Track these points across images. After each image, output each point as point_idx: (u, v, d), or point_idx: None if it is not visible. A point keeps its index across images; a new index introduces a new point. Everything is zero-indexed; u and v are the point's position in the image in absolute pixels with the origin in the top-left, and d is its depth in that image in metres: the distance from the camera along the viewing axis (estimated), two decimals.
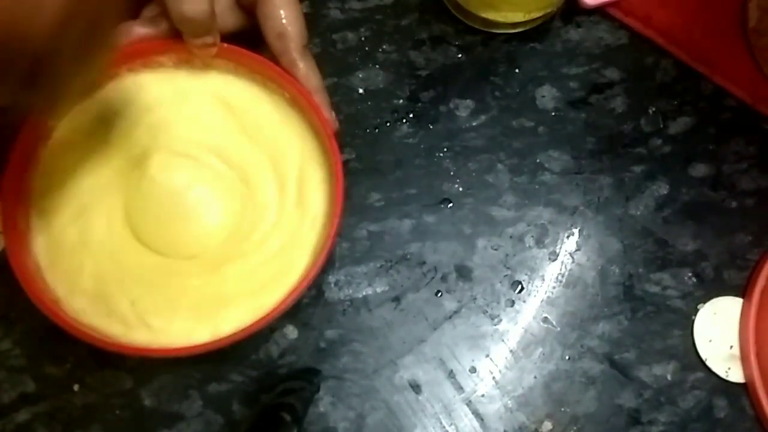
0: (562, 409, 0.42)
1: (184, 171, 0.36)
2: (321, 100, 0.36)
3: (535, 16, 0.45)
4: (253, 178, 0.37)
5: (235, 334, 0.32)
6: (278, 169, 0.37)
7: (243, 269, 0.35)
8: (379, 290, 0.43)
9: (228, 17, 0.35)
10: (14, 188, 0.33)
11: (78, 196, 0.35)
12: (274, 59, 0.35)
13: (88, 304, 0.34)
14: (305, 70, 0.35)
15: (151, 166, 0.36)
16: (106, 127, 0.36)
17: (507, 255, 0.44)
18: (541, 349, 0.43)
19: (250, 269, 0.35)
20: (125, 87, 0.36)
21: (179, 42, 0.35)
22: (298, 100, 0.36)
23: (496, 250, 0.44)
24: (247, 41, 0.36)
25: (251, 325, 0.32)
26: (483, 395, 0.42)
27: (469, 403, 0.42)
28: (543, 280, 0.44)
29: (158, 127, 0.36)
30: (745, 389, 0.43)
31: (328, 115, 0.36)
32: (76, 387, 0.41)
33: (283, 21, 0.34)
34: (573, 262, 0.44)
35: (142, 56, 0.36)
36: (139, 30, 0.35)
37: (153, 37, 0.35)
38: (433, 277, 0.43)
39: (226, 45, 0.35)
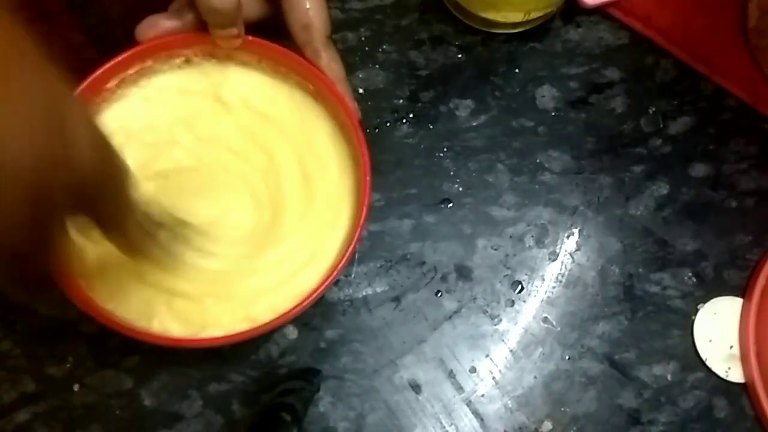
0: (562, 409, 0.42)
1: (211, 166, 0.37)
2: (345, 89, 0.36)
3: (535, 16, 0.45)
4: (279, 172, 0.37)
5: (262, 325, 0.33)
6: (304, 163, 0.37)
7: (269, 261, 0.36)
8: (379, 290, 0.43)
9: (253, 6, 0.36)
10: None
11: None
12: (297, 50, 0.36)
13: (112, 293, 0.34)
14: (328, 60, 0.35)
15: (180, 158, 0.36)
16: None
17: (507, 255, 0.44)
18: (541, 349, 0.43)
19: (277, 260, 0.36)
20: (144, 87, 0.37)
21: (204, 34, 0.35)
22: (322, 92, 0.36)
23: (496, 250, 0.44)
24: (269, 31, 0.36)
25: (287, 312, 0.33)
26: (483, 395, 0.42)
27: (469, 403, 0.42)
28: (543, 280, 0.44)
29: (185, 123, 0.37)
30: (745, 389, 0.43)
31: (352, 104, 0.36)
32: (76, 387, 0.41)
33: (309, 12, 0.35)
34: (573, 262, 0.44)
35: (167, 49, 0.36)
36: (165, 23, 0.35)
37: (178, 29, 0.35)
38: (433, 277, 0.43)
39: (251, 37, 0.36)
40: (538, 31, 0.47)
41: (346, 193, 0.37)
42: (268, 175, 0.37)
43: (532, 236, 0.44)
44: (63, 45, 0.40)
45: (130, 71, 0.36)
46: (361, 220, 0.34)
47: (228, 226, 0.36)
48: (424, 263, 0.43)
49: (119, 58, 0.35)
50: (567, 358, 0.43)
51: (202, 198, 0.36)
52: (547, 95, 0.46)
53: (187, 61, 0.37)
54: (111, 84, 0.36)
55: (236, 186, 0.37)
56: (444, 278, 0.43)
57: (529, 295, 0.43)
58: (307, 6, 0.35)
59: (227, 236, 0.36)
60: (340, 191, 0.37)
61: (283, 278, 0.35)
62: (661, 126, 0.46)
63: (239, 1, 0.33)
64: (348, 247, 0.34)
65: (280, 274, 0.35)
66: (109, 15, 0.41)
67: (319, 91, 0.37)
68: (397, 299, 0.43)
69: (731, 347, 0.43)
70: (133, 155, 0.36)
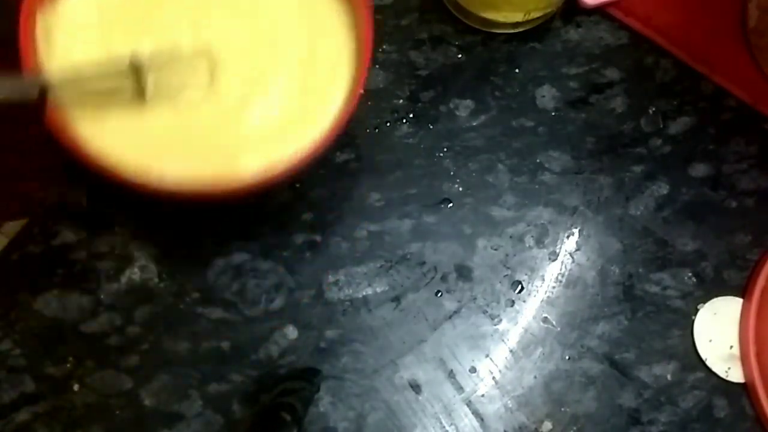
0: (562, 409, 0.42)
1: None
2: None
3: (535, 16, 0.45)
4: (279, 28, 0.36)
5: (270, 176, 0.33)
6: (309, 24, 0.37)
7: (265, 108, 0.35)
8: (379, 290, 0.43)
9: None
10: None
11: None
12: None
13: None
14: None
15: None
16: None
17: (507, 255, 0.44)
18: (541, 349, 0.43)
19: (273, 108, 0.35)
20: None
21: None
22: None
23: (496, 250, 0.44)
24: None
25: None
26: (483, 395, 0.42)
27: (469, 403, 0.42)
28: (543, 280, 0.44)
29: None
30: (745, 389, 0.43)
31: None
32: (76, 387, 0.41)
33: None
34: (573, 262, 0.44)
35: None
36: None
37: None
38: (433, 277, 0.43)
39: None
40: (538, 31, 0.47)
41: (346, 56, 0.37)
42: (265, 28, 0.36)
43: (532, 236, 0.44)
44: None
45: None
46: (362, 78, 0.34)
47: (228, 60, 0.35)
48: (424, 263, 0.43)
49: None
50: (567, 358, 0.43)
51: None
52: (547, 95, 0.46)
53: None
54: None
55: (240, 32, 0.36)
56: (444, 278, 0.43)
57: (529, 295, 0.43)
58: None
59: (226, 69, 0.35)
60: (339, 53, 0.37)
61: (274, 131, 0.35)
62: (661, 126, 0.46)
63: None
64: (349, 105, 0.34)
65: (271, 126, 0.35)
66: None
67: None
68: (397, 299, 0.43)
69: (731, 347, 0.43)
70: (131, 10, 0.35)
